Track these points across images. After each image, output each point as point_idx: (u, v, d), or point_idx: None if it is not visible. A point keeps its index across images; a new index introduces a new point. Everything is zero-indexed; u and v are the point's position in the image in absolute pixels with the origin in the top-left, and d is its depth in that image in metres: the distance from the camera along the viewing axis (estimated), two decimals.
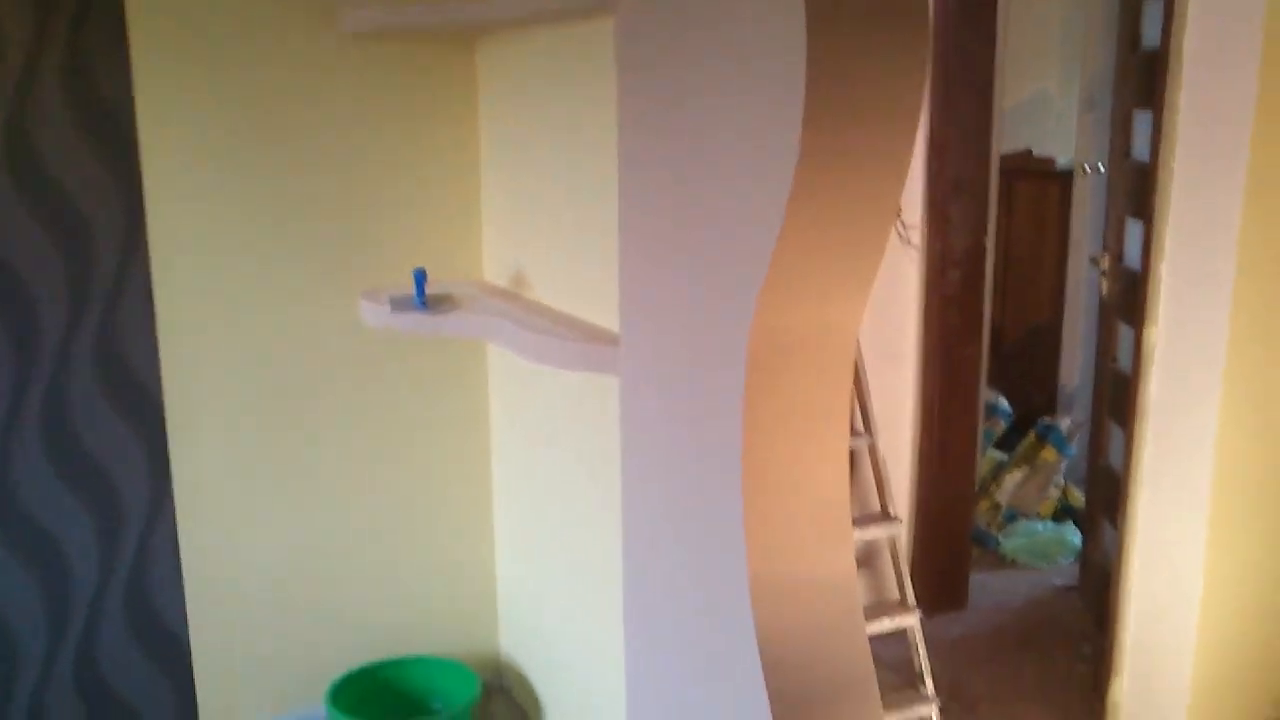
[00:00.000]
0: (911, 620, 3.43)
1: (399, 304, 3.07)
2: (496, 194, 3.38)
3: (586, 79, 2.76)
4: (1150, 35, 3.75)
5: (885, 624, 3.28)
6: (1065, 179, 5.87)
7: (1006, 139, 5.05)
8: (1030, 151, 6.03)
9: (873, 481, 3.47)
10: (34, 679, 3.22)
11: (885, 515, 3.45)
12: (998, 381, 5.17)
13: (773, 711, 2.11)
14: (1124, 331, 3.93)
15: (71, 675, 3.27)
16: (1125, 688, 3.50)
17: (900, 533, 3.47)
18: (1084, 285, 5.67)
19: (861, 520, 3.47)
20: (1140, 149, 3.81)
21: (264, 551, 3.43)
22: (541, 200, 3.09)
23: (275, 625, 3.48)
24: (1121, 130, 4.04)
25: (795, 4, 1.80)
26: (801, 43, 1.80)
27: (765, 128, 1.93)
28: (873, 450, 3.44)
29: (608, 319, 2.71)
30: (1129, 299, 3.78)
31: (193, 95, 3.09)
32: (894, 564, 3.51)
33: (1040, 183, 5.96)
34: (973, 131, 4.15)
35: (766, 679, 2.12)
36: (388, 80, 3.30)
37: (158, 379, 3.19)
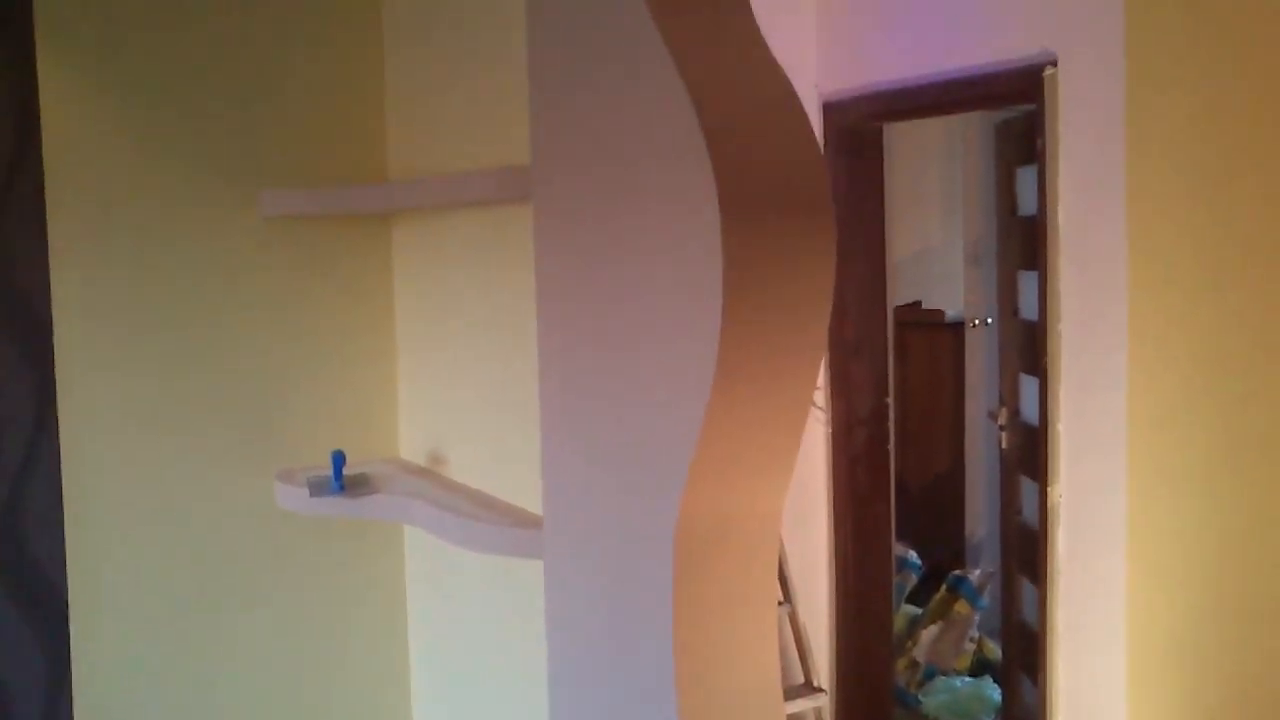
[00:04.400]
0: None
1: (317, 487, 3.03)
2: (413, 372, 3.38)
3: (504, 259, 2.80)
4: (1026, 203, 3.91)
5: None
6: (956, 330, 6.01)
7: (895, 291, 5.18)
8: (920, 303, 6.17)
9: (795, 651, 3.45)
10: None
11: (810, 686, 3.43)
12: (904, 534, 5.21)
13: None
14: (1026, 484, 4.00)
15: None
16: None
17: (825, 704, 3.45)
18: (982, 435, 5.76)
19: (786, 693, 3.43)
20: (1027, 308, 3.94)
21: None
22: (459, 379, 3.09)
23: None
24: (1008, 289, 4.17)
25: (708, 198, 1.86)
26: (717, 242, 1.86)
27: (686, 316, 1.97)
28: (794, 618, 3.44)
29: (526, 497, 2.70)
30: (1029, 454, 3.86)
31: (109, 273, 3.07)
32: None
33: (932, 334, 6.10)
34: (869, 292, 4.25)
35: None
36: (304, 260, 3.31)
37: (62, 565, 3.07)
